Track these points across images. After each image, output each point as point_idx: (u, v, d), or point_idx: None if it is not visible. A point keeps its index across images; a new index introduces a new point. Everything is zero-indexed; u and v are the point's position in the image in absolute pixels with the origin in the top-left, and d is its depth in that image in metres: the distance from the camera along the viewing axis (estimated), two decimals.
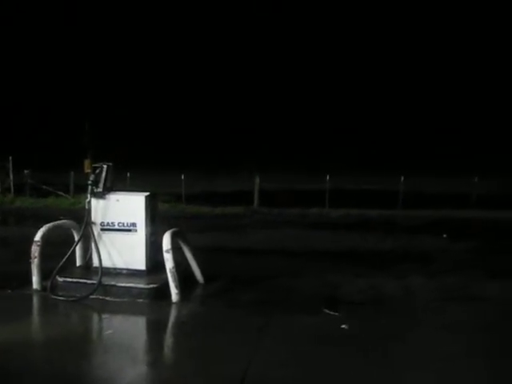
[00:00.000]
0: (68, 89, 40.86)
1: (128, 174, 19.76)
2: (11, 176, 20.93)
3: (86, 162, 16.86)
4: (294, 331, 5.64)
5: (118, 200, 6.95)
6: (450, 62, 45.04)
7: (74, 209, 13.75)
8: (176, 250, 6.97)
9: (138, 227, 6.87)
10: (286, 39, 45.92)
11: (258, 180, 18.94)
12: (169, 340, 5.85)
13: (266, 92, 44.98)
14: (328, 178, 19.92)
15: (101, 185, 6.93)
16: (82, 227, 6.91)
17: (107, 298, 6.50)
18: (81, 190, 7.49)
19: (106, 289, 6.56)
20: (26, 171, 20.41)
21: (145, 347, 5.62)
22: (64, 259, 6.73)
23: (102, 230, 6.95)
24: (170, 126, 41.62)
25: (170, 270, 6.48)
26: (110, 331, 5.73)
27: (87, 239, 7.03)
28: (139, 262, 6.90)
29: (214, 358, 4.94)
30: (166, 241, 6.56)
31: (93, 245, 6.87)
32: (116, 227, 6.92)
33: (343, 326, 5.67)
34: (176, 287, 6.48)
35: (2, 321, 5.73)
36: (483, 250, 10.73)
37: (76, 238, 7.12)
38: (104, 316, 6.26)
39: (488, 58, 44.06)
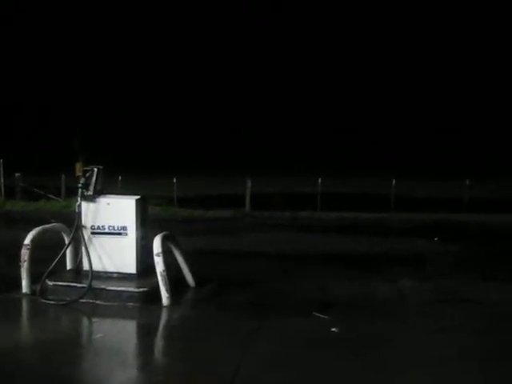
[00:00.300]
0: (61, 90, 40.76)
1: (120, 178, 19.72)
2: (2, 179, 20.85)
3: (78, 165, 16.79)
4: (285, 334, 5.63)
5: (108, 203, 6.93)
6: (447, 62, 45.19)
7: (66, 212, 13.70)
8: (167, 254, 6.95)
9: (128, 230, 6.85)
10: (280, 39, 45.97)
11: (249, 183, 18.93)
12: (159, 344, 5.83)
13: (259, 95, 45.02)
14: (320, 181, 19.94)
15: (91, 188, 6.91)
16: (72, 231, 6.88)
17: (97, 302, 6.46)
18: (72, 193, 7.48)
19: (96, 292, 6.53)
20: (16, 174, 20.30)
21: (135, 351, 5.59)
22: (54, 263, 6.69)
23: (92, 233, 6.92)
24: (162, 129, 41.57)
25: (160, 273, 6.46)
26: (99, 335, 5.71)
27: (78, 243, 7.00)
28: (130, 265, 6.88)
29: (204, 361, 4.93)
30: (157, 244, 6.54)
31: (83, 248, 6.84)
32: (106, 230, 6.89)
33: (333, 329, 5.67)
34: (167, 291, 6.46)
35: None
36: (475, 253, 10.75)
37: (66, 242, 7.09)
38: (94, 320, 6.24)
39: (487, 58, 44.23)
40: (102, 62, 43.63)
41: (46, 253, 6.89)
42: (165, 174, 22.57)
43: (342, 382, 4.58)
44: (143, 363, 5.14)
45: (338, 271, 8.68)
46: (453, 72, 44.40)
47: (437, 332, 5.81)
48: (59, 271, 6.98)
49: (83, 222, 6.89)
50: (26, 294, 6.77)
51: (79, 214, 6.85)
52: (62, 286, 6.68)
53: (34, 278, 6.81)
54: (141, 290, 6.57)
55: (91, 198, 6.90)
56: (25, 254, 6.79)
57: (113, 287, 6.59)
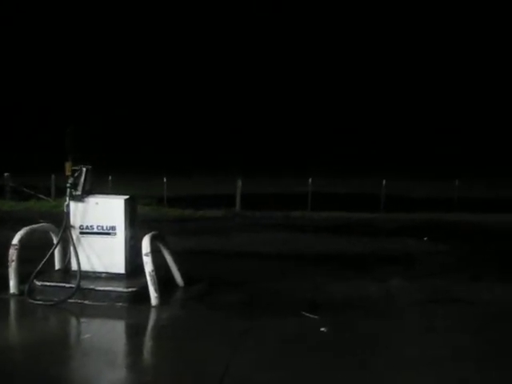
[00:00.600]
0: (61, 90, 40.65)
1: (110, 177, 19.64)
2: None
3: (67, 165, 16.65)
4: (275, 334, 5.63)
5: (97, 203, 6.90)
6: (447, 62, 45.31)
7: (56, 212, 13.63)
8: (156, 254, 6.93)
9: (117, 230, 6.82)
10: (276, 38, 45.97)
11: (240, 183, 18.90)
12: (148, 344, 5.81)
13: (253, 95, 45.01)
14: (310, 180, 19.94)
15: (80, 188, 6.88)
16: (61, 231, 6.85)
17: (86, 302, 6.43)
18: (63, 193, 7.43)
19: (85, 293, 6.50)
20: (6, 174, 20.17)
21: (123, 351, 5.57)
22: (42, 263, 6.65)
23: (80, 233, 6.89)
24: (152, 128, 41.48)
25: (149, 273, 6.44)
26: (88, 335, 5.69)
27: (66, 243, 6.96)
28: (118, 265, 6.85)
29: (194, 361, 4.92)
30: (146, 244, 6.52)
31: (71, 248, 6.81)
32: (95, 230, 6.87)
33: (322, 329, 5.67)
34: (155, 290, 6.44)
35: None
36: (465, 252, 10.79)
37: (55, 242, 7.05)
38: (82, 320, 6.22)
39: (487, 59, 44.39)
40: (101, 62, 43.57)
41: (35, 253, 6.84)
42: (156, 173, 22.48)
43: (332, 382, 4.58)
44: (132, 363, 5.13)
45: (328, 271, 8.68)
46: (452, 72, 44.53)
47: (428, 332, 5.84)
48: (47, 271, 6.94)
49: (72, 222, 6.86)
50: (13, 295, 6.73)
51: (67, 213, 6.82)
52: (50, 286, 6.65)
53: (21, 279, 6.77)
54: (129, 290, 6.54)
55: (80, 198, 6.87)
56: (12, 254, 6.75)
57: (101, 287, 6.56)
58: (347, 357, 5.07)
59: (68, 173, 7.15)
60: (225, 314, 6.25)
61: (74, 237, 6.82)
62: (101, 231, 6.85)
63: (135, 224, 7.13)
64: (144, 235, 6.70)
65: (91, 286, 6.55)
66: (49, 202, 18.31)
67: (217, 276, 7.94)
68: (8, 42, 40.02)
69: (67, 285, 6.57)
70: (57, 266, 7.24)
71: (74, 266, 6.74)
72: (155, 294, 6.45)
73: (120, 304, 6.42)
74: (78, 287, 6.42)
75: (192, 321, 6.10)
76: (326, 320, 5.97)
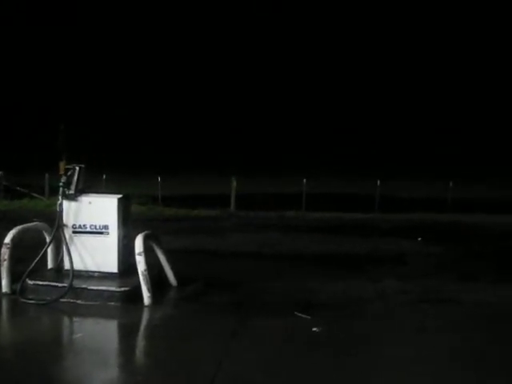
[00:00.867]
0: (60, 90, 40.58)
1: (104, 176, 19.62)
2: None
3: (61, 164, 16.62)
4: (267, 334, 5.62)
5: (90, 202, 6.88)
6: (447, 62, 45.37)
7: (49, 211, 13.59)
8: (150, 253, 6.92)
9: (110, 229, 6.80)
10: (272, 39, 45.97)
11: (234, 183, 18.91)
12: (140, 343, 5.78)
13: (247, 95, 44.99)
14: (305, 181, 19.97)
15: (73, 187, 6.85)
16: (54, 230, 6.82)
17: (78, 302, 6.40)
18: (56, 191, 7.40)
19: (77, 292, 6.47)
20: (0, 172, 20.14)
21: (116, 350, 5.55)
22: (34, 262, 6.63)
23: (73, 232, 6.86)
24: (148, 128, 41.44)
25: (142, 272, 6.42)
26: (80, 335, 5.66)
27: (59, 242, 6.94)
28: (111, 264, 6.83)
29: (186, 360, 4.91)
30: (138, 243, 6.50)
31: (64, 247, 6.78)
32: (88, 229, 6.85)
33: (315, 329, 5.67)
34: (148, 290, 6.43)
35: None
36: (458, 253, 10.82)
37: (47, 241, 7.03)
38: (75, 319, 6.19)
39: (487, 59, 44.46)
40: (101, 62, 43.54)
41: (27, 252, 6.84)
42: (151, 173, 22.50)
43: (324, 382, 4.58)
44: (124, 363, 5.11)
45: (322, 271, 8.70)
46: (452, 72, 44.59)
47: (421, 332, 5.83)
48: (40, 270, 6.91)
49: (64, 221, 6.83)
50: (5, 294, 6.69)
51: (60, 212, 6.80)
52: (42, 285, 6.61)
53: (14, 278, 6.74)
54: (122, 289, 6.52)
55: (73, 197, 6.85)
56: (5, 253, 6.72)
57: (94, 286, 6.54)
58: (340, 357, 5.07)
59: (62, 172, 7.13)
60: (218, 314, 6.23)
61: (67, 236, 6.79)
62: (94, 230, 6.83)
63: (129, 223, 7.11)
64: (137, 234, 6.69)
65: (84, 286, 6.53)
66: (42, 200, 18.27)
67: (210, 276, 7.93)
68: (8, 42, 39.96)
69: (60, 284, 6.54)
70: (49, 265, 7.21)
71: (67, 265, 6.70)
72: (148, 294, 6.43)
73: (112, 303, 6.40)
74: (71, 286, 6.40)
75: (185, 320, 6.08)
76: (319, 320, 5.97)
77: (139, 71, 44.63)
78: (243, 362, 4.87)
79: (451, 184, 20.69)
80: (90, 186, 7.42)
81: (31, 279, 6.64)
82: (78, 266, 6.74)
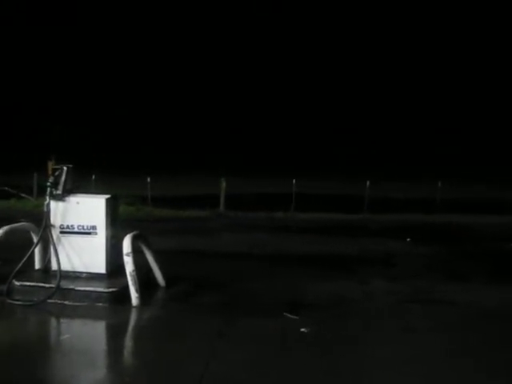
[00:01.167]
0: (60, 90, 40.43)
1: (93, 177, 19.54)
2: None
3: (50, 164, 16.58)
4: (255, 334, 5.62)
5: (77, 202, 6.84)
6: (447, 62, 45.50)
7: (37, 211, 13.46)
8: (138, 254, 6.90)
9: (98, 230, 6.77)
10: (271, 39, 45.97)
11: (224, 183, 18.89)
12: (128, 344, 5.76)
13: (239, 95, 44.97)
14: (294, 182, 19.98)
15: (60, 187, 6.81)
16: (41, 230, 6.78)
17: (66, 302, 6.37)
18: (45, 192, 7.35)
19: (65, 293, 6.43)
20: None
21: (103, 351, 5.51)
22: (21, 263, 6.58)
23: (61, 232, 6.82)
24: (137, 128, 41.33)
25: (130, 273, 6.40)
26: (67, 336, 5.63)
27: (46, 242, 6.90)
28: (99, 265, 6.80)
29: (173, 361, 4.89)
30: (126, 244, 6.48)
31: (51, 248, 6.74)
32: (76, 230, 6.81)
33: (303, 330, 5.67)
34: (136, 291, 6.41)
35: None
36: (446, 253, 10.88)
37: (35, 241, 6.98)
38: (62, 320, 6.16)
39: (487, 59, 44.63)
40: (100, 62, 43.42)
41: (14, 252, 6.78)
42: (140, 173, 22.41)
43: (312, 382, 4.58)
44: (112, 364, 5.10)
45: (311, 272, 8.69)
46: (452, 72, 44.75)
47: (409, 332, 5.85)
48: (27, 271, 6.87)
49: (52, 221, 6.79)
50: None
51: (48, 213, 6.75)
52: (29, 286, 6.57)
53: (0, 279, 6.68)
54: (110, 290, 6.49)
55: (60, 197, 6.81)
56: None
57: (82, 287, 6.50)
58: (328, 357, 5.07)
59: (49, 172, 7.09)
60: (206, 315, 6.22)
61: (55, 236, 6.75)
62: (81, 231, 6.80)
63: (117, 224, 7.08)
64: (125, 235, 6.66)
65: (71, 286, 6.49)
66: (30, 201, 18.16)
67: (199, 276, 7.93)
68: (8, 42, 39.77)
69: (47, 285, 6.50)
70: (37, 265, 7.17)
71: (54, 266, 6.66)
72: (136, 295, 6.41)
73: (100, 304, 6.37)
74: (58, 287, 6.36)
75: (173, 321, 6.07)
76: (307, 320, 5.97)
77: (138, 71, 44.55)
78: (231, 363, 4.87)
79: (440, 184, 20.76)
80: (78, 186, 7.38)
81: (18, 280, 6.59)
82: (66, 266, 6.70)
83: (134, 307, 6.38)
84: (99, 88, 41.61)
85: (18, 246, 6.95)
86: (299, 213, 17.67)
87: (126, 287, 6.44)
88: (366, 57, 46.22)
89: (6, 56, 38.17)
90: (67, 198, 6.84)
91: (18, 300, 6.40)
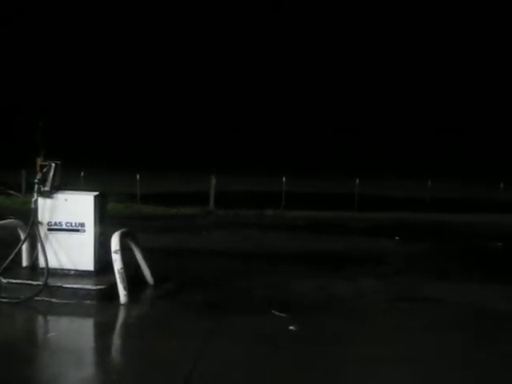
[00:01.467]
0: (60, 90, 40.23)
1: (82, 174, 19.46)
2: None
3: (39, 161, 16.41)
4: (243, 333, 5.60)
5: (66, 199, 6.80)
6: (447, 63, 45.61)
7: (26, 208, 13.30)
8: (127, 251, 6.87)
9: (86, 227, 6.73)
10: (271, 38, 45.92)
11: (213, 181, 18.86)
12: (116, 342, 5.73)
13: (229, 95, 44.93)
14: (284, 179, 19.99)
15: (48, 184, 6.76)
16: (28, 227, 6.73)
17: (53, 300, 6.32)
18: (33, 189, 7.30)
19: (53, 290, 6.39)
20: None
21: (91, 349, 5.46)
22: (8, 260, 6.53)
23: (49, 229, 6.78)
24: (127, 125, 41.21)
25: (118, 270, 6.37)
26: (54, 334, 5.58)
27: (34, 239, 6.85)
28: (87, 262, 6.76)
29: (161, 360, 4.87)
30: (115, 241, 6.44)
31: (39, 245, 6.69)
32: (64, 227, 6.77)
33: (291, 328, 5.67)
34: (124, 288, 6.37)
35: None
36: (435, 251, 10.92)
37: (22, 238, 6.93)
38: (49, 318, 6.11)
39: (487, 59, 44.77)
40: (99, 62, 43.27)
41: (1, 250, 6.75)
42: (130, 170, 22.34)
43: (300, 381, 4.57)
44: (99, 362, 5.06)
45: (300, 270, 8.70)
46: (452, 72, 44.87)
47: (399, 330, 5.84)
48: (14, 268, 6.82)
49: (40, 218, 6.75)
50: None
51: (35, 209, 6.71)
52: (16, 283, 6.51)
53: None
54: (98, 287, 6.46)
55: (48, 194, 6.76)
56: None
57: (69, 285, 6.46)
58: (317, 355, 5.05)
59: (38, 168, 7.03)
60: (194, 313, 6.20)
61: (42, 233, 6.70)
62: (70, 228, 6.76)
63: (105, 221, 7.05)
64: (114, 232, 6.63)
65: (59, 284, 6.45)
66: (19, 197, 18.06)
67: (188, 274, 7.92)
68: (8, 42, 39.57)
69: (34, 282, 6.46)
70: (24, 262, 7.13)
71: (42, 263, 6.62)
72: (124, 292, 6.38)
73: (88, 302, 6.34)
74: (46, 285, 6.32)
75: (161, 319, 6.04)
76: (296, 318, 5.96)
77: (137, 71, 44.44)
78: (219, 361, 4.85)
79: (429, 183, 20.88)
80: (66, 183, 7.33)
81: (5, 277, 6.54)
82: (54, 263, 6.66)
83: (122, 305, 6.35)
84: (96, 88, 41.50)
85: (6, 243, 6.92)
86: (289, 211, 17.68)
87: (115, 285, 6.40)
88: (365, 57, 46.30)
89: (6, 56, 38.04)
90: (55, 195, 6.80)
91: (4, 298, 6.34)
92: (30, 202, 6.87)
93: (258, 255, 9.95)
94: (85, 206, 6.76)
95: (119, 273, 6.37)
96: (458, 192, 23.06)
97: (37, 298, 6.27)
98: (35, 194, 6.73)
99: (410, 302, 7.00)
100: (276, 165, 28.35)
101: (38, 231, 6.70)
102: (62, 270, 6.75)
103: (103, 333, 5.78)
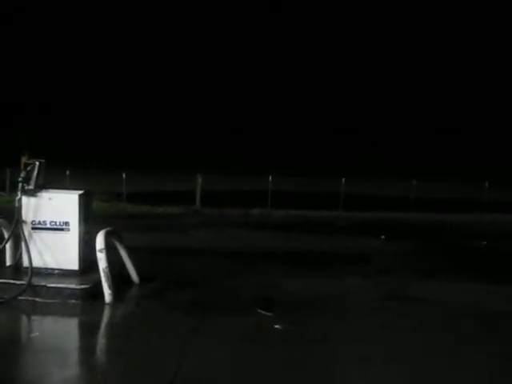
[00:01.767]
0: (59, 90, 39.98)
1: (67, 172, 19.33)
2: None
3: (23, 159, 16.32)
4: (228, 332, 5.59)
5: (50, 198, 6.74)
6: (447, 63, 45.78)
7: (10, 207, 13.20)
8: (112, 250, 6.82)
9: (70, 226, 6.68)
10: (270, 38, 45.89)
11: (200, 180, 18.82)
12: (100, 341, 5.68)
13: (216, 95, 44.90)
14: (271, 179, 19.98)
15: (32, 182, 6.70)
16: (12, 226, 6.66)
17: (37, 299, 6.27)
18: (17, 187, 7.25)
19: (37, 290, 6.33)
20: None
21: (75, 349, 5.42)
22: None
23: (33, 228, 6.72)
24: (114, 125, 41.06)
25: (103, 269, 6.33)
26: (38, 333, 5.53)
27: (18, 238, 6.78)
28: (72, 261, 6.71)
29: (146, 359, 4.84)
30: (100, 240, 6.40)
31: (23, 244, 6.63)
32: (48, 226, 6.71)
33: (277, 327, 5.66)
34: (109, 287, 6.34)
35: None
36: (421, 251, 10.97)
37: (6, 237, 6.86)
38: (33, 318, 6.05)
39: (487, 59, 44.99)
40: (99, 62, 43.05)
41: None
42: (116, 169, 22.23)
43: (286, 379, 4.57)
44: (83, 362, 5.02)
45: (286, 269, 8.71)
46: (451, 72, 45.08)
47: (385, 329, 5.86)
48: None
49: (24, 217, 6.68)
50: None
51: (19, 208, 6.65)
52: None
53: None
54: (83, 286, 6.41)
55: (32, 193, 6.70)
56: None
57: (54, 284, 6.41)
58: (303, 354, 5.05)
59: (22, 167, 6.97)
60: (179, 312, 6.18)
61: (26, 232, 6.64)
62: (54, 227, 6.70)
63: (90, 220, 7.00)
64: (99, 231, 6.58)
65: (43, 283, 6.39)
66: (3, 196, 17.91)
67: (173, 273, 7.90)
68: (8, 42, 39.28)
69: (18, 281, 6.39)
70: (8, 262, 7.07)
71: (26, 263, 6.55)
72: (109, 291, 6.34)
73: (73, 301, 6.29)
74: (29, 284, 6.26)
75: (146, 318, 6.01)
76: (281, 317, 5.96)
77: (138, 71, 44.30)
78: (204, 360, 4.83)
79: (414, 182, 20.99)
80: (51, 181, 7.27)
81: None
82: (38, 263, 6.61)
83: (107, 304, 6.32)
84: (86, 87, 41.33)
85: None
86: (275, 210, 17.69)
87: (99, 284, 6.37)
88: (365, 57, 46.45)
89: (6, 56, 37.79)
90: (39, 194, 6.74)
91: None
92: (14, 200, 6.80)
93: (245, 254, 9.95)
94: (69, 204, 6.71)
95: (104, 272, 6.33)
96: (457, 192, 23.24)
97: (21, 298, 6.22)
98: (19, 193, 6.66)
99: (397, 300, 7.03)
100: (262, 164, 28.36)
101: (22, 230, 6.63)
102: (47, 269, 6.70)
103: (88, 332, 5.73)
